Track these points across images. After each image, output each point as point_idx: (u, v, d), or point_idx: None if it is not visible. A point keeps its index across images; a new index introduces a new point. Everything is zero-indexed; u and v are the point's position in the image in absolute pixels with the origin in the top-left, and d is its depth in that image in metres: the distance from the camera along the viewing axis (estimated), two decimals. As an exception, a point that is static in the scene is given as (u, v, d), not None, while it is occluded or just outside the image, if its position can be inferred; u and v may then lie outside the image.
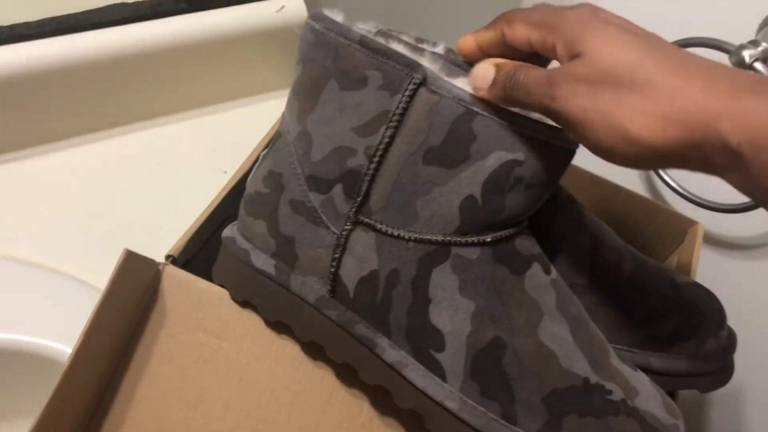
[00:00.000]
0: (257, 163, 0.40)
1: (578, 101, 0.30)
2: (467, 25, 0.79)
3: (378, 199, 0.35)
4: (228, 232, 0.40)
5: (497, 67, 0.33)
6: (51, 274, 0.48)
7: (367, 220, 0.35)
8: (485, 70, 0.34)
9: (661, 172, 0.66)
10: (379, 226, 0.35)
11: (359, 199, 0.35)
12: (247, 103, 0.65)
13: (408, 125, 0.34)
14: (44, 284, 0.47)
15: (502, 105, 0.33)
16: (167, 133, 0.60)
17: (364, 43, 0.35)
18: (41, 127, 0.55)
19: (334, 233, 0.36)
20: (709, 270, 0.58)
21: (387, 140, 0.34)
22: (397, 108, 0.34)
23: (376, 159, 0.35)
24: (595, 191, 0.54)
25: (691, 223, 0.53)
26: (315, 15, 0.36)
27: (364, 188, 0.35)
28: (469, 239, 0.34)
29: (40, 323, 0.45)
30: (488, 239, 0.34)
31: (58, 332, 0.44)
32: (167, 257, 0.40)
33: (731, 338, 0.41)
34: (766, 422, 0.70)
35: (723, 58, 0.56)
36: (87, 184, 0.55)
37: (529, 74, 0.32)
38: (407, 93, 0.34)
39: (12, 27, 0.50)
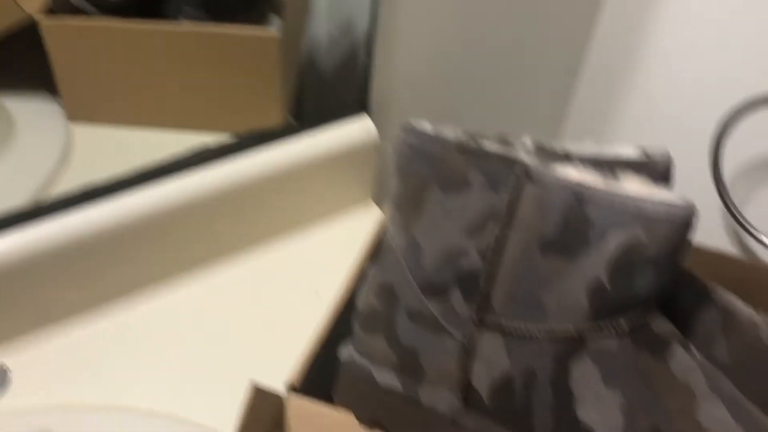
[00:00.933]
0: (367, 279, 0.40)
1: None
2: (523, 113, 0.80)
3: (500, 299, 0.34)
4: (345, 352, 0.40)
5: None
6: (172, 422, 0.47)
7: (492, 321, 0.34)
8: None
9: (757, 233, 0.63)
10: (506, 327, 0.34)
11: (480, 300, 0.35)
12: (324, 223, 0.66)
13: (519, 219, 0.34)
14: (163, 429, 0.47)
15: None
16: (255, 265, 0.61)
17: (461, 148, 0.35)
18: (141, 273, 0.57)
19: (458, 340, 0.35)
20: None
21: (500, 237, 0.34)
22: (506, 205, 0.34)
23: (491, 256, 0.34)
24: (696, 262, 0.52)
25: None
26: (407, 129, 0.37)
27: (483, 289, 0.34)
28: (604, 327, 0.33)
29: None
30: (626, 327, 0.33)
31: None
32: (289, 387, 0.39)
33: None
34: None
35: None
36: (189, 327, 0.55)
37: None
38: (512, 188, 0.34)
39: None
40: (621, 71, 0.74)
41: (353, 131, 0.63)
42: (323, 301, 0.58)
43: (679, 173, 0.68)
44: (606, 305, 0.33)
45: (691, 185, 0.68)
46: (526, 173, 0.34)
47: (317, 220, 0.66)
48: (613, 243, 0.33)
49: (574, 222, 0.33)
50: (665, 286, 0.34)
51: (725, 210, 0.65)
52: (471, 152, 0.35)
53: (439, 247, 0.36)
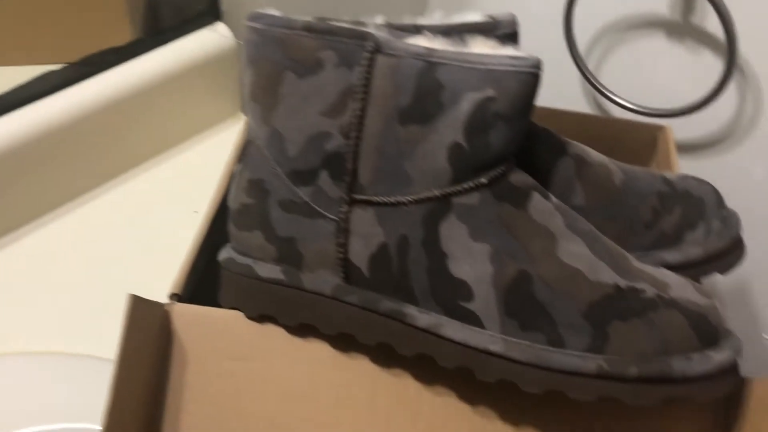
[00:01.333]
0: (233, 179, 0.39)
1: None
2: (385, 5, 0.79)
3: (367, 174, 0.35)
4: (224, 253, 0.39)
5: None
6: (63, 357, 0.46)
7: (361, 197, 0.35)
8: None
9: (609, 93, 0.67)
10: (375, 199, 0.35)
11: (348, 178, 0.35)
12: (197, 141, 0.64)
13: (375, 93, 0.34)
14: (58, 370, 0.45)
15: None
16: (129, 189, 0.59)
17: (309, 27, 0.35)
18: (7, 210, 0.53)
19: (332, 220, 0.35)
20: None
21: (359, 113, 0.34)
22: (360, 80, 0.34)
23: (354, 134, 0.34)
24: (556, 124, 0.55)
25: (658, 128, 0.54)
26: (253, 15, 0.36)
27: (350, 167, 0.35)
28: (466, 185, 0.34)
29: (72, 408, 0.43)
30: (485, 181, 0.34)
31: (87, 412, 0.42)
32: (171, 296, 0.38)
33: (733, 214, 0.41)
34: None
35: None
36: (66, 259, 0.53)
37: None
38: (365, 63, 0.34)
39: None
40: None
41: (207, 40, 0.60)
42: (202, 218, 0.57)
43: (532, 41, 0.70)
44: (466, 165, 0.34)
45: (546, 53, 0.71)
46: (377, 45, 0.34)
47: (187, 139, 0.64)
48: (466, 104, 0.33)
49: (427, 88, 0.34)
50: (519, 140, 0.35)
51: (581, 76, 0.68)
52: (320, 31, 0.35)
53: (301, 132, 0.35)
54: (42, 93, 0.52)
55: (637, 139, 0.55)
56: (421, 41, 0.37)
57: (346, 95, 0.35)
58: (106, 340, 0.44)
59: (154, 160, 0.61)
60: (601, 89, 0.67)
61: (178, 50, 0.59)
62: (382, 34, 0.35)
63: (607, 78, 0.69)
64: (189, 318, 0.38)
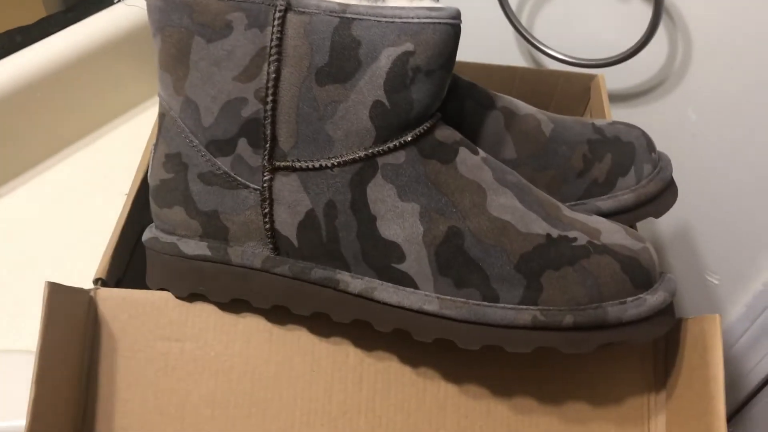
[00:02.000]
0: (151, 155, 0.37)
1: None
2: None
3: (287, 139, 0.33)
4: (148, 233, 0.38)
5: None
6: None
7: (283, 164, 0.34)
8: None
9: (542, 46, 0.67)
10: (297, 164, 0.33)
11: (267, 145, 0.33)
12: (121, 122, 0.61)
13: (289, 54, 0.33)
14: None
15: None
16: (51, 177, 0.56)
17: (213, -12, 0.33)
18: None
19: (255, 189, 0.34)
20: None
21: (274, 76, 0.33)
22: (272, 41, 0.33)
23: (270, 99, 0.33)
24: (491, 79, 0.54)
25: (591, 77, 0.54)
26: (154, -21, 0.34)
27: (268, 132, 0.33)
28: (391, 144, 0.33)
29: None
30: (409, 138, 0.33)
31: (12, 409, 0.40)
32: (96, 281, 0.37)
33: (663, 157, 0.41)
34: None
35: None
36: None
37: None
38: (276, 23, 0.32)
39: None
40: None
41: (121, 14, 0.58)
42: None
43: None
44: (389, 123, 0.33)
45: (476, 4, 0.70)
46: (288, 4, 0.32)
47: (109, 122, 0.61)
48: (384, 60, 0.32)
49: (344, 46, 0.32)
50: (442, 94, 0.34)
51: (513, 29, 0.67)
52: (227, -7, 0.33)
53: (215, 100, 0.34)
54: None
55: (569, 90, 0.55)
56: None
57: (259, 58, 0.33)
58: (32, 333, 0.43)
59: (75, 145, 0.58)
60: (533, 41, 0.66)
61: (92, 27, 0.56)
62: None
63: (538, 30, 0.68)
64: (115, 302, 0.36)
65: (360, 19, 0.32)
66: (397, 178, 0.33)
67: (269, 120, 0.33)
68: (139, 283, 0.38)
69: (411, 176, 0.33)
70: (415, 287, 0.33)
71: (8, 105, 0.51)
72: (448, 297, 0.33)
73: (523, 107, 0.41)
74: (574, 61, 0.65)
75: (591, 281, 0.32)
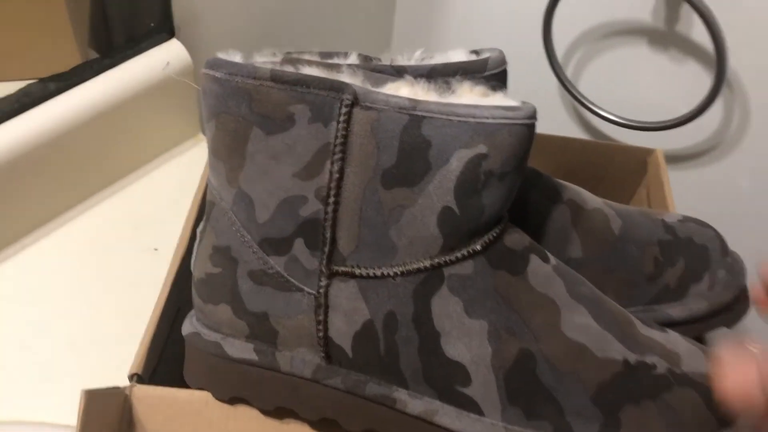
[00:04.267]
0: (196, 242, 0.35)
1: None
2: (348, 26, 0.75)
3: (347, 243, 0.31)
4: (188, 326, 0.35)
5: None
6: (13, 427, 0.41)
7: (342, 269, 0.31)
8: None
9: (592, 106, 0.64)
10: (357, 271, 0.31)
11: (326, 248, 0.31)
12: (153, 166, 0.59)
13: (354, 152, 0.30)
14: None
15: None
16: (80, 226, 0.54)
17: (277, 77, 0.30)
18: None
19: (309, 293, 0.32)
20: (683, 190, 0.57)
21: (337, 176, 0.30)
22: (337, 137, 0.30)
23: (332, 200, 0.31)
24: (546, 151, 0.52)
25: (648, 152, 0.51)
26: (211, 63, 0.32)
27: (328, 235, 0.31)
28: (459, 254, 0.31)
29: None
30: (479, 247, 0.31)
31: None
32: (131, 377, 0.34)
33: (738, 261, 0.39)
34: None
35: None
36: (11, 311, 0.48)
37: None
38: (342, 118, 0.30)
39: None
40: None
41: (163, 57, 0.55)
42: (163, 257, 0.52)
43: (512, 62, 0.67)
44: (458, 231, 0.30)
45: (527, 71, 0.68)
46: (355, 97, 0.30)
47: (144, 164, 0.59)
48: (455, 163, 0.30)
49: (413, 147, 0.30)
50: (513, 196, 0.32)
51: (562, 88, 0.65)
52: (290, 81, 0.30)
53: (272, 196, 0.31)
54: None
55: (625, 163, 0.52)
56: (403, 88, 0.33)
57: (322, 154, 0.30)
58: (60, 403, 0.40)
59: (103, 193, 0.56)
60: (583, 100, 0.64)
61: (129, 72, 0.53)
62: (359, 84, 0.31)
63: (587, 87, 0.66)
64: (152, 402, 0.34)
65: (431, 118, 0.30)
66: (464, 291, 0.31)
67: (330, 222, 0.31)
68: (175, 373, 0.36)
69: (479, 289, 0.31)
70: (481, 414, 0.31)
71: (36, 153, 0.49)
72: (517, 428, 0.30)
73: (590, 200, 0.39)
74: (627, 122, 0.63)
75: (673, 418, 0.30)
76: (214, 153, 0.32)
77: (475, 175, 0.30)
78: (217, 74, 0.31)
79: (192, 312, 0.36)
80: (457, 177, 0.30)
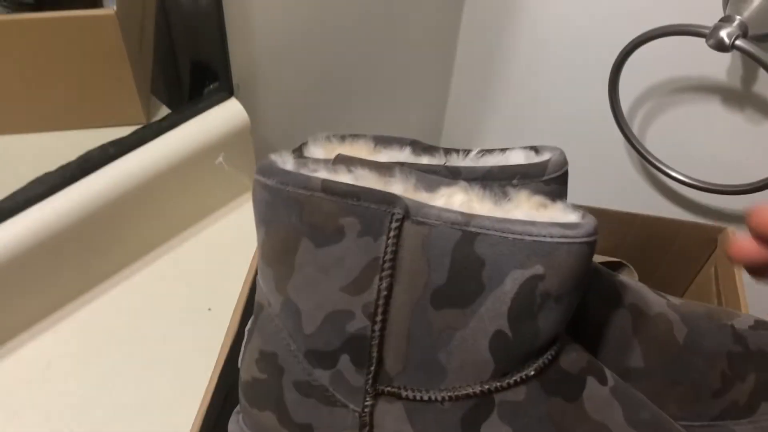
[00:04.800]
0: (244, 341, 0.35)
1: None
2: (407, 98, 0.74)
3: (394, 363, 0.30)
4: (234, 426, 0.35)
5: None
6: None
7: (388, 389, 0.30)
8: None
9: (661, 165, 0.61)
10: (404, 393, 0.30)
11: (372, 367, 0.30)
12: (208, 222, 0.60)
13: (404, 269, 0.29)
14: None
15: None
16: (133, 288, 0.55)
17: (328, 189, 0.30)
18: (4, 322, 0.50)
19: (354, 411, 0.31)
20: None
21: (385, 293, 0.29)
22: (386, 253, 0.29)
23: (378, 317, 0.30)
24: (609, 226, 0.49)
25: (719, 230, 0.48)
26: (263, 169, 0.31)
27: (374, 354, 0.30)
28: (511, 380, 0.29)
29: None
30: (532, 373, 0.29)
31: None
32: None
33: (815, 375, 0.36)
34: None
35: (701, 44, 0.51)
36: (66, 372, 0.49)
37: None
38: (392, 233, 0.29)
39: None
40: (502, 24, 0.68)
41: (221, 116, 0.56)
42: (216, 318, 0.53)
43: (579, 117, 0.65)
44: (510, 355, 0.29)
45: (593, 128, 0.65)
46: (406, 212, 0.29)
47: (201, 220, 0.60)
48: (510, 284, 0.28)
49: (465, 265, 0.29)
50: (570, 316, 0.30)
51: (628, 144, 0.62)
52: (341, 193, 0.30)
53: (320, 308, 0.31)
54: (40, 195, 0.47)
55: (692, 240, 0.49)
56: (457, 194, 0.32)
57: (371, 270, 0.30)
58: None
59: (160, 249, 0.57)
60: (649, 157, 0.61)
61: (189, 133, 0.54)
62: (408, 186, 0.31)
63: (653, 145, 0.63)
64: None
65: (485, 234, 0.29)
66: (515, 419, 0.29)
67: (377, 340, 0.30)
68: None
69: (532, 417, 0.29)
70: None
71: (98, 214, 0.50)
72: None
73: (654, 303, 0.37)
74: (700, 184, 0.60)
75: None
76: (264, 258, 0.32)
77: (530, 297, 0.29)
78: (269, 182, 0.31)
79: (238, 408, 0.36)
80: (512, 299, 0.29)
